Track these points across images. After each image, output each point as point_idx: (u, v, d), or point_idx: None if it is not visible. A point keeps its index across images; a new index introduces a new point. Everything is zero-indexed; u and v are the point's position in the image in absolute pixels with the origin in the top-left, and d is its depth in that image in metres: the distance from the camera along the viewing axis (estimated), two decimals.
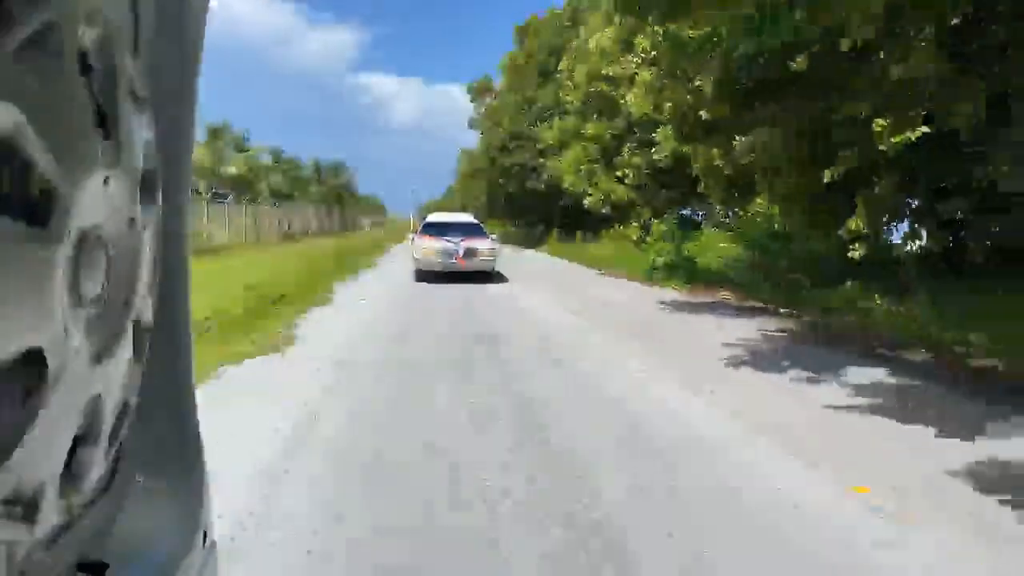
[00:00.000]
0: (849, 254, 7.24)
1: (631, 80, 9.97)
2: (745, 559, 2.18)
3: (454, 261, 10.95)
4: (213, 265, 11.27)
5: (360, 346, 5.62)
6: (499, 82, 31.95)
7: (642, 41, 7.39)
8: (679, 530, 2.34)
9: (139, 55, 0.44)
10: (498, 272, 11.94)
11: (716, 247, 13.04)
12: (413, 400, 4.01)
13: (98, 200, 0.35)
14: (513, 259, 16.24)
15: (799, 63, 6.33)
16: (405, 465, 2.93)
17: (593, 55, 14.06)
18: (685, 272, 11.36)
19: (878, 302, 7.09)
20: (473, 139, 37.22)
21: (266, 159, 35.14)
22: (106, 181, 0.35)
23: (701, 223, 17.17)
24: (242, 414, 3.54)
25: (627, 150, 17.28)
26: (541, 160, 24.43)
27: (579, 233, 22.18)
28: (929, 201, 7.02)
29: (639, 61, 8.52)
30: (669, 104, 7.91)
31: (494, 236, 12.52)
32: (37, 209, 0.28)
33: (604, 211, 18.77)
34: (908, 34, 6.00)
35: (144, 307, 0.44)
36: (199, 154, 23.11)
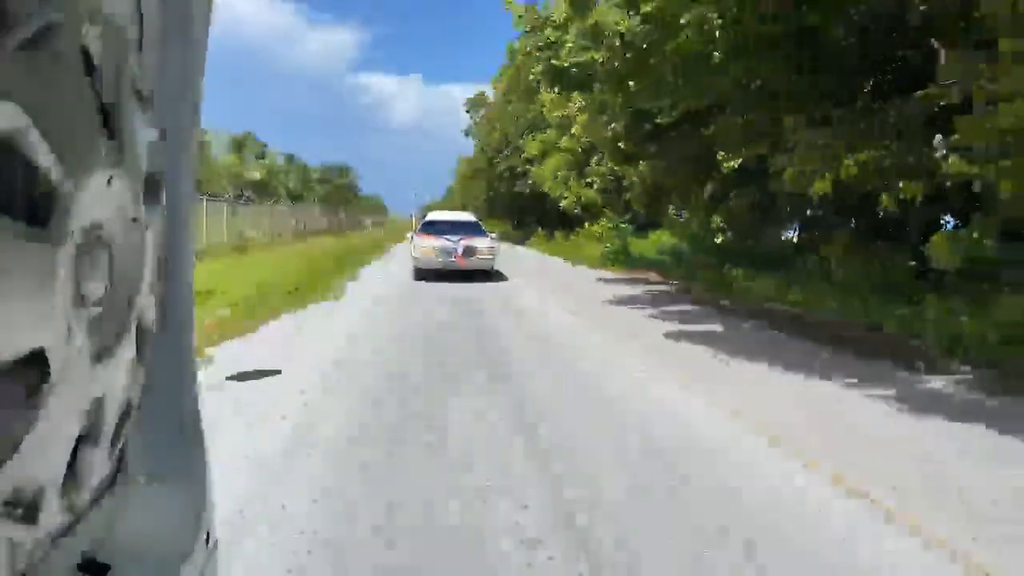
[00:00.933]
0: (716, 240, 10.64)
1: (575, 119, 13.42)
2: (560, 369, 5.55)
3: (453, 260, 11.03)
4: (265, 255, 14.68)
5: (382, 295, 9.01)
6: (493, 93, 35.41)
7: (575, 96, 10.74)
8: (532, 343, 5.72)
9: (143, 55, 0.44)
10: None
11: (658, 241, 16.48)
12: (417, 311, 7.40)
13: (101, 200, 0.34)
14: (502, 252, 19.70)
15: (674, 116, 9.71)
16: (414, 318, 6.32)
17: (544, 101, 17.44)
18: (625, 259, 14.80)
19: (734, 274, 10.49)
20: (470, 147, 40.73)
21: (277, 160, 38.63)
22: (109, 181, 0.35)
23: (658, 223, 20.58)
24: (327, 320, 6.93)
25: (595, 161, 20.68)
26: (528, 167, 27.85)
27: (561, 231, 25.61)
28: (757, 209, 10.44)
29: (577, 108, 11.96)
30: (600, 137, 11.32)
31: (494, 235, 12.73)
32: (40, 209, 0.28)
33: (576, 212, 22.19)
34: (738, 99, 9.39)
35: (147, 307, 0.44)
36: (228, 161, 26.47)
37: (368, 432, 3.26)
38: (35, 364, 0.28)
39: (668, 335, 6.28)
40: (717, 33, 6.40)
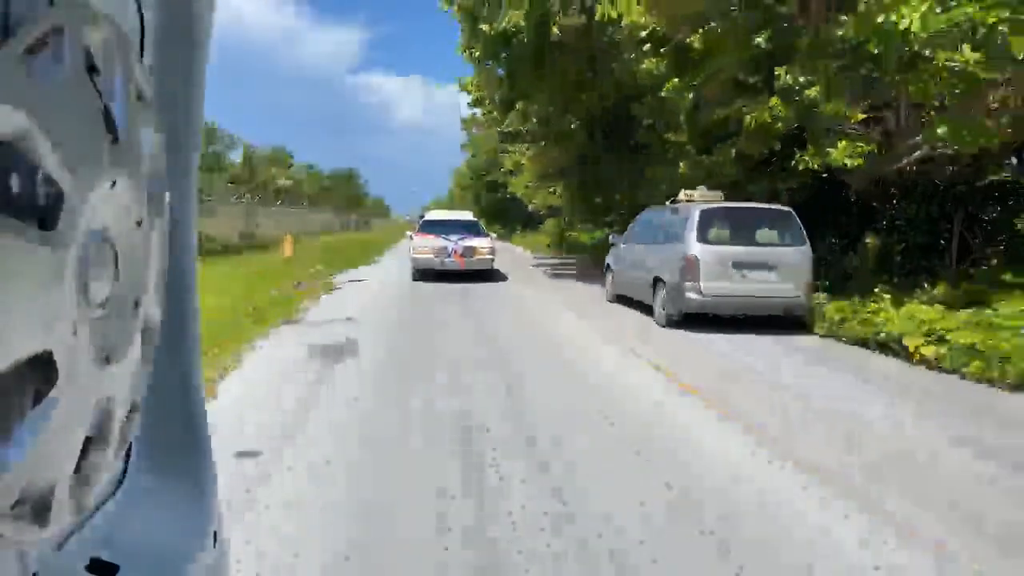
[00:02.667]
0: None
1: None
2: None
3: (452, 260, 10.96)
4: (309, 242, 21.14)
5: (398, 259, 15.46)
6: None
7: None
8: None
9: (145, 57, 0.45)
10: None
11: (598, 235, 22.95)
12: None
13: (106, 202, 0.35)
14: None
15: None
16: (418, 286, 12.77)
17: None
18: (560, 246, 21.35)
19: None
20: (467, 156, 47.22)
21: (284, 162, 45.14)
22: (113, 184, 0.35)
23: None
24: (375, 267, 13.42)
25: None
26: (509, 177, 34.36)
27: (533, 229, 32.12)
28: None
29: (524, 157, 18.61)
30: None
31: (493, 235, 13.02)
32: (45, 212, 0.29)
33: (543, 213, 28.66)
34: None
35: (152, 308, 0.44)
36: (269, 174, 32.93)
37: (401, 292, 9.68)
38: (42, 366, 0.29)
39: (545, 276, 12.70)
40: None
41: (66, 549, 0.41)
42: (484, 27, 9.27)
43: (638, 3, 6.65)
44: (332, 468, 2.86)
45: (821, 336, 6.46)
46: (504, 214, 39.72)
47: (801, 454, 3.13)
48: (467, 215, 14.10)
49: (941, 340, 5.02)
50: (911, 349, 5.17)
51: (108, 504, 0.48)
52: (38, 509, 0.30)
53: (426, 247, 11.10)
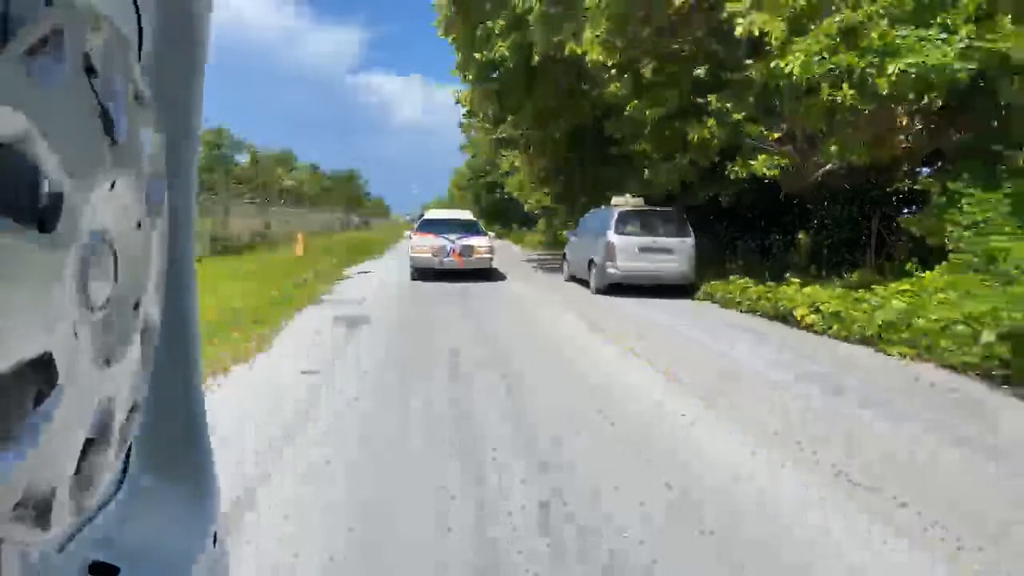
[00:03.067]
0: None
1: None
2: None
3: (451, 259, 11.02)
4: (314, 240, 22.71)
5: (399, 255, 17.02)
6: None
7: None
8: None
9: (144, 58, 0.45)
10: None
11: None
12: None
13: (105, 204, 0.35)
14: None
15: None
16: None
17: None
18: (551, 244, 22.94)
19: None
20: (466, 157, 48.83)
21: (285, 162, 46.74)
22: (113, 185, 0.35)
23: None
24: (379, 262, 15.00)
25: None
26: (505, 178, 35.93)
27: (528, 228, 33.70)
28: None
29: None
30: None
31: (492, 234, 13.09)
32: (45, 214, 0.29)
33: (538, 212, 30.25)
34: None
35: (152, 309, 0.44)
36: (276, 175, 34.50)
37: (402, 280, 11.25)
38: (43, 368, 0.29)
39: (534, 269, 14.26)
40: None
41: (67, 551, 0.41)
42: (476, 55, 10.84)
43: (595, 43, 8.21)
44: (367, 377, 4.43)
45: (699, 300, 9.16)
46: (502, 214, 41.45)
47: (676, 372, 4.70)
48: (466, 214, 14.03)
49: (817, 310, 6.60)
50: (798, 317, 6.74)
51: (109, 505, 0.48)
52: (39, 511, 0.30)
53: (424, 246, 11.21)
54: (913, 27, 6.96)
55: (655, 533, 2.29)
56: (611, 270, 9.43)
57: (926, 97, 7.03)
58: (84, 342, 0.33)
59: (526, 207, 30.66)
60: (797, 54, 6.50)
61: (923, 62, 6.68)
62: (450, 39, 11.52)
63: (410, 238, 12.13)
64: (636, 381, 4.51)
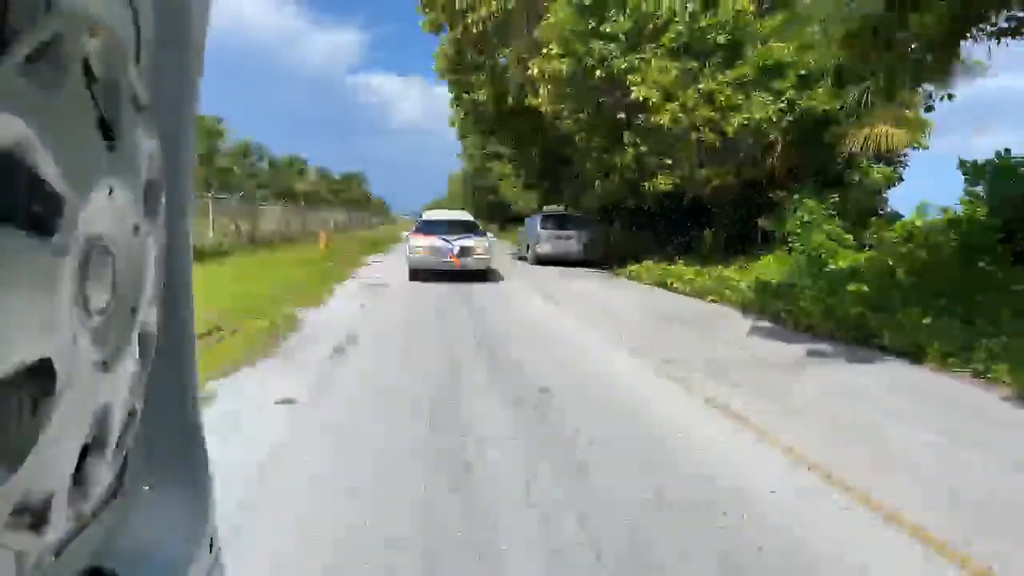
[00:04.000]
0: None
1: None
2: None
3: (449, 260, 11.15)
4: (341, 236, 26.31)
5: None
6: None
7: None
8: None
9: (141, 63, 0.45)
10: None
11: None
12: None
13: (103, 209, 0.35)
14: None
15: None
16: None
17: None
18: None
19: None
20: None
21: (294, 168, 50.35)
22: (111, 190, 0.36)
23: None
24: (387, 254, 18.59)
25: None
26: (498, 182, 39.55)
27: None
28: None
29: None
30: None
31: (490, 234, 13.54)
32: (44, 219, 0.29)
33: (524, 214, 33.89)
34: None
35: (149, 315, 0.44)
36: (289, 176, 38.08)
37: (406, 268, 14.82)
38: (41, 374, 0.29)
39: (506, 256, 17.83)
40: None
41: (64, 557, 0.41)
42: (464, 96, 14.43)
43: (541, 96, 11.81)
44: (392, 305, 7.96)
45: (619, 277, 12.64)
46: (496, 214, 45.25)
47: (572, 310, 8.22)
48: (465, 215, 14.17)
49: (679, 279, 10.17)
50: (670, 284, 10.31)
51: (106, 512, 0.48)
52: (37, 517, 0.30)
53: (423, 247, 11.40)
54: (753, 91, 10.53)
55: (531, 355, 5.84)
56: (539, 250, 15.06)
57: (772, 135, 10.62)
58: (83, 347, 0.34)
59: (514, 208, 34.32)
60: (665, 112, 10.06)
61: (755, 116, 10.28)
62: (448, 83, 15.14)
63: (408, 239, 12.29)
64: (540, 308, 8.06)
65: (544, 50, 11.34)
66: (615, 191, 13.77)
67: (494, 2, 12.53)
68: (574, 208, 21.71)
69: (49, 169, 0.29)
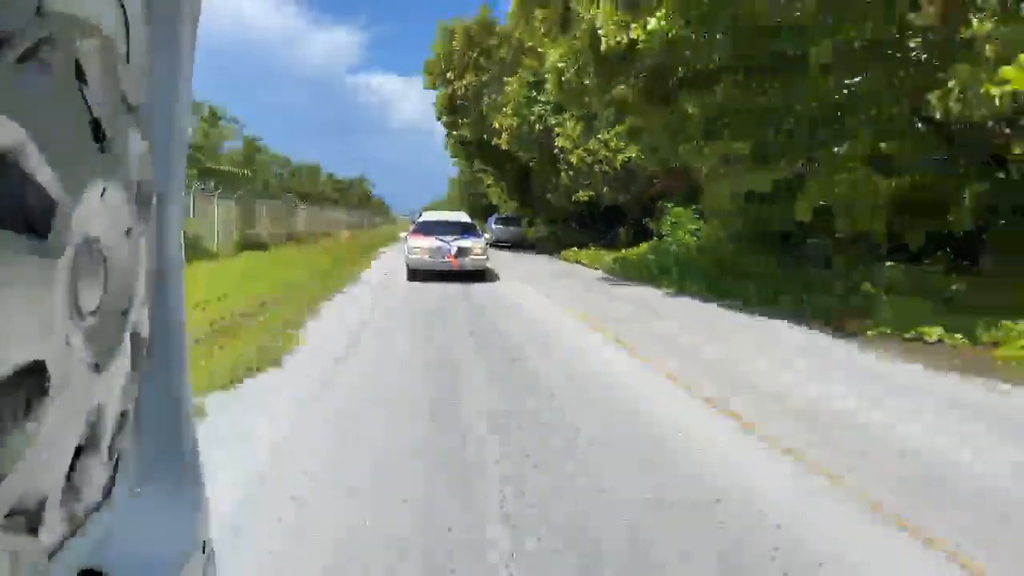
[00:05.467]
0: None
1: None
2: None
3: (446, 260, 11.38)
4: (341, 234, 32.46)
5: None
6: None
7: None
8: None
9: (131, 65, 0.45)
10: None
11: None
12: None
13: (96, 211, 0.35)
14: None
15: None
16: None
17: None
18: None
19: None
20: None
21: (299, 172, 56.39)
22: (103, 192, 0.35)
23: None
24: (392, 248, 24.73)
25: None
26: (488, 188, 45.79)
27: None
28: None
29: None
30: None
31: (487, 235, 14.24)
32: (38, 222, 0.29)
33: (512, 215, 40.12)
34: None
35: (141, 316, 0.44)
36: (304, 180, 44.22)
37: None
38: (35, 375, 0.29)
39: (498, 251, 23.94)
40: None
41: (57, 559, 0.40)
42: (455, 133, 20.59)
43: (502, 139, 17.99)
44: (404, 289, 14.05)
45: (559, 259, 18.43)
46: (488, 215, 51.69)
47: (514, 274, 14.30)
48: (463, 216, 14.37)
49: (583, 257, 16.32)
50: (584, 262, 16.47)
51: (98, 513, 0.46)
52: (30, 519, 0.30)
53: (421, 247, 11.70)
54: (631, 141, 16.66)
55: (485, 294, 11.95)
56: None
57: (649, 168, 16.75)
58: (75, 350, 0.33)
59: (502, 210, 40.55)
60: (574, 154, 16.19)
61: (631, 156, 16.46)
62: (443, 121, 21.34)
63: (406, 239, 12.55)
64: (497, 274, 14.14)
65: (504, 109, 17.51)
66: (558, 202, 19.93)
67: (471, 77, 18.74)
68: (542, 212, 27.87)
69: (43, 171, 0.29)
